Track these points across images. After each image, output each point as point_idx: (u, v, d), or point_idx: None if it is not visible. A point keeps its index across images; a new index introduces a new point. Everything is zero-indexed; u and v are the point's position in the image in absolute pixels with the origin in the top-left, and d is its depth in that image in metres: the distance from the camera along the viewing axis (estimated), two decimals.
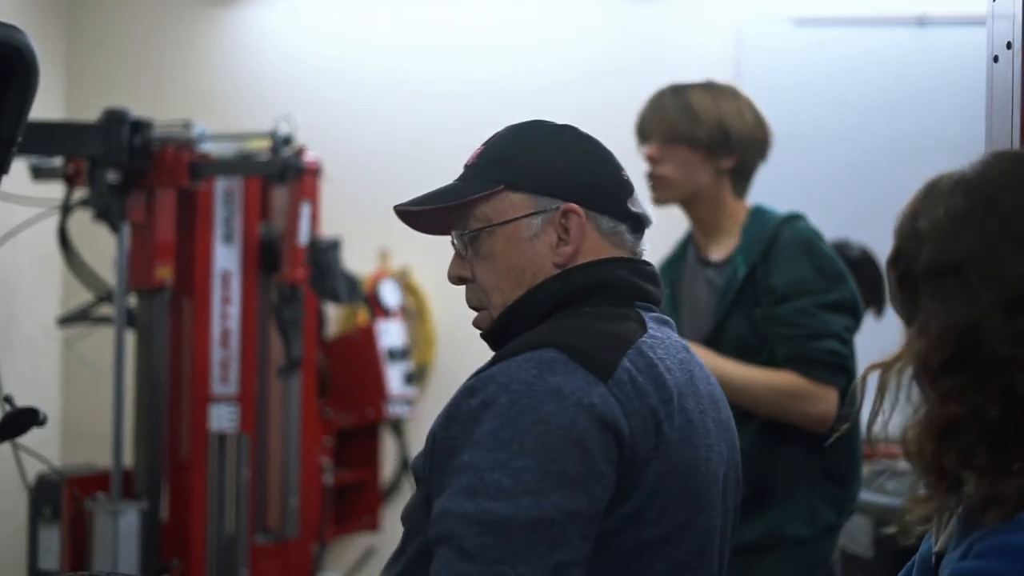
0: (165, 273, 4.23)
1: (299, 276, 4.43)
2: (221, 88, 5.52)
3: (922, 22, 5.17)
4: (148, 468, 4.22)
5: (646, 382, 1.73)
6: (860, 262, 4.10)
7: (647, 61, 5.23)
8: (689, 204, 3.10)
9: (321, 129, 5.16)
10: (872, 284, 4.10)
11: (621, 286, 1.87)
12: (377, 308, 5.29)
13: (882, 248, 4.12)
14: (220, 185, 4.35)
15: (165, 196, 4.23)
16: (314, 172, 4.49)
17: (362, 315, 5.42)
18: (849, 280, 2.97)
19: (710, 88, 3.10)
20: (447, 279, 1.95)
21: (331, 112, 5.42)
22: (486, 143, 1.98)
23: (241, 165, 4.34)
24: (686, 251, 3.18)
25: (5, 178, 2.29)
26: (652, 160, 3.07)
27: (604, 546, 1.70)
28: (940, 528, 1.65)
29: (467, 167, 1.96)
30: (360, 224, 5.17)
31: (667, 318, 1.94)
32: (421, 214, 1.96)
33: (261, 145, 4.46)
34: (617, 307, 1.85)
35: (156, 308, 4.28)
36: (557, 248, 1.86)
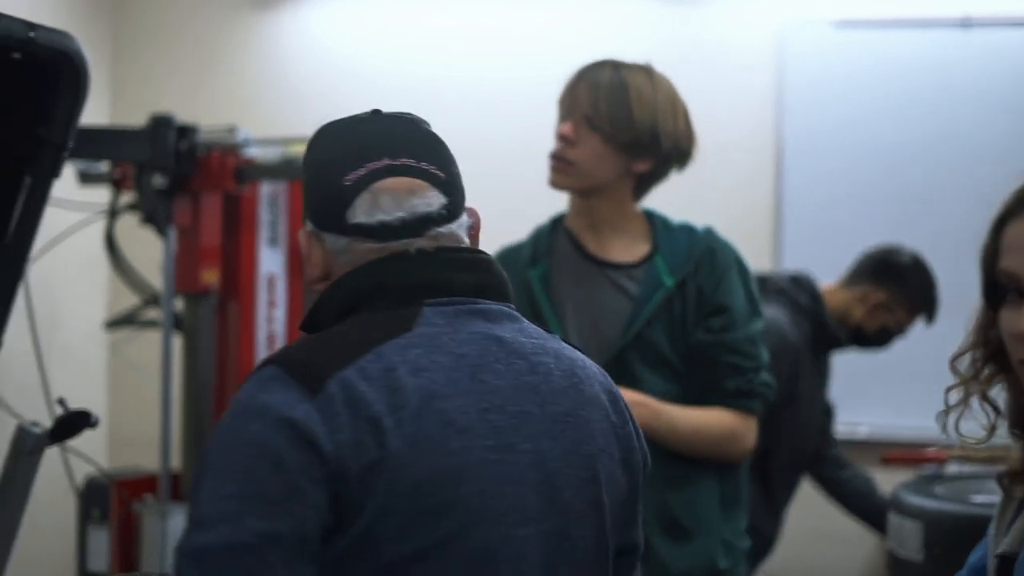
0: (211, 277, 4.26)
1: None
2: (264, 92, 5.55)
3: (966, 24, 5.13)
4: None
5: (371, 391, 1.61)
6: (910, 268, 4.06)
7: (687, 65, 5.18)
8: (588, 196, 2.77)
9: None
10: (923, 291, 4.05)
11: (400, 285, 1.72)
12: None
13: (929, 253, 4.15)
14: (265, 189, 4.37)
15: (211, 200, 4.26)
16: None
17: None
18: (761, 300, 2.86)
19: (651, 80, 2.76)
20: None
21: None
22: None
23: (285, 169, 4.36)
24: (553, 243, 2.83)
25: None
26: (565, 140, 2.73)
27: (338, 570, 1.60)
28: (1000, 532, 1.65)
29: None
30: None
31: (488, 307, 1.76)
32: None
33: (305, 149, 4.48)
34: (398, 306, 1.71)
35: (202, 312, 4.31)
36: (311, 269, 1.80)
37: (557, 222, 2.86)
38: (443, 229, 1.77)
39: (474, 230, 1.84)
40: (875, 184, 5.14)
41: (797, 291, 3.95)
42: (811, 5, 5.26)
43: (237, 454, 1.58)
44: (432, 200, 1.77)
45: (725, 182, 5.17)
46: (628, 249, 2.78)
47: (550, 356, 1.77)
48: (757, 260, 5.05)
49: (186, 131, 4.14)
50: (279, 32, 5.62)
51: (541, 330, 1.82)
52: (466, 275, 1.77)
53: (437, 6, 5.55)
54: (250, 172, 4.25)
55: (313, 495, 1.56)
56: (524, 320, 1.81)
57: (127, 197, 4.39)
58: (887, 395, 5.02)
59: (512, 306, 1.81)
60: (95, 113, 5.39)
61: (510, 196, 4.41)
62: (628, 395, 2.39)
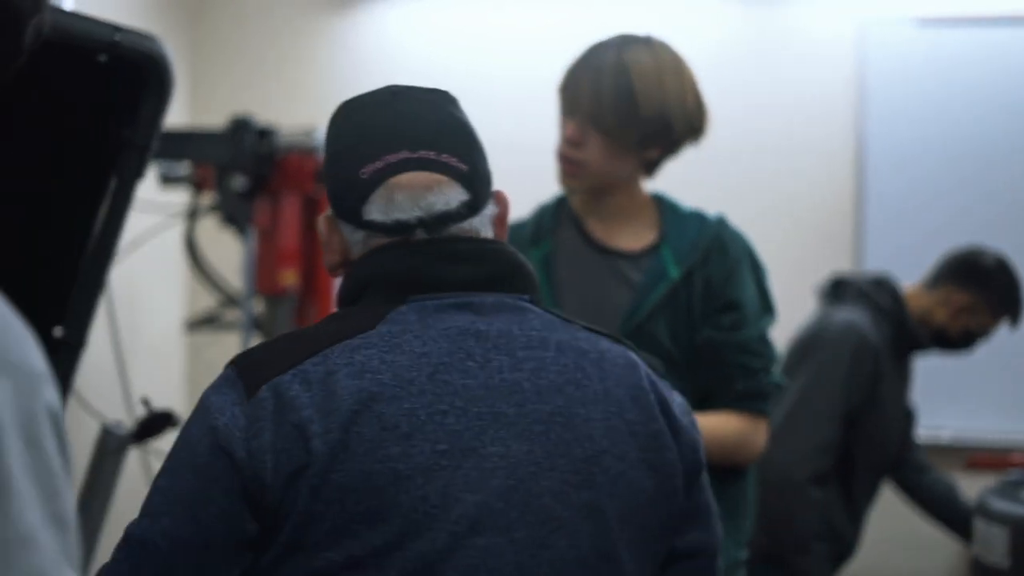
0: (290, 278, 4.28)
1: None
2: (343, 93, 5.53)
3: None
4: None
5: (305, 395, 1.55)
6: (995, 270, 4.00)
7: (767, 65, 5.17)
8: (600, 193, 2.63)
9: None
10: (1007, 293, 3.99)
11: (384, 281, 1.67)
12: None
13: (1014, 253, 4.08)
14: None
15: (290, 201, 4.27)
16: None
17: None
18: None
19: (656, 61, 2.59)
20: None
21: None
22: None
23: None
24: (556, 227, 2.68)
25: None
26: (572, 142, 2.58)
27: (270, 569, 1.56)
28: None
29: None
30: None
31: (482, 300, 1.68)
32: None
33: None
34: (384, 301, 1.66)
35: (281, 313, 4.32)
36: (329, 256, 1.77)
37: (562, 201, 2.71)
38: (464, 225, 1.71)
39: (500, 218, 1.77)
40: (958, 184, 5.08)
41: (879, 293, 3.91)
42: (893, 3, 5.21)
43: (177, 450, 1.60)
44: (451, 197, 1.70)
45: (805, 182, 5.12)
46: (634, 237, 2.62)
47: (550, 350, 1.67)
48: (837, 261, 5.01)
49: (266, 133, 4.16)
50: (357, 32, 5.63)
51: (556, 319, 1.72)
52: (462, 267, 1.68)
53: (513, 7, 5.54)
54: None
55: (222, 503, 1.55)
56: (535, 310, 1.71)
57: (207, 199, 4.41)
58: (972, 398, 4.95)
59: (527, 296, 1.72)
60: (175, 115, 5.43)
61: None
62: None
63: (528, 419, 1.62)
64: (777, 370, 2.61)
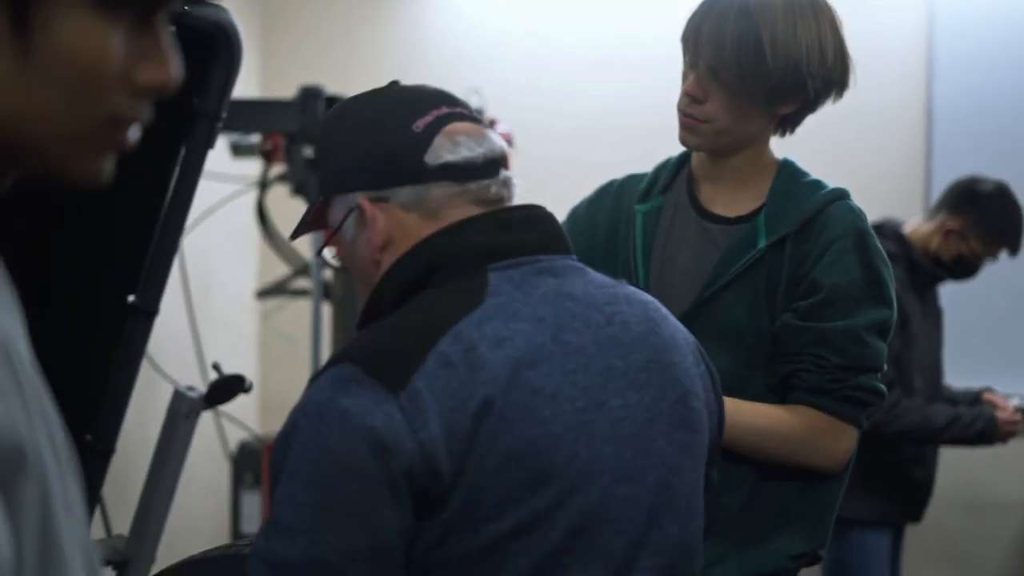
0: None
1: None
2: (411, 63, 5.58)
3: None
4: None
5: (455, 376, 1.55)
6: (987, 196, 3.85)
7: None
8: (720, 153, 2.35)
9: (511, 101, 5.19)
10: (998, 220, 3.92)
11: (462, 255, 1.67)
12: None
13: None
14: None
15: None
16: (505, 144, 4.52)
17: None
18: (892, 287, 2.30)
19: (792, 8, 2.24)
20: None
21: (520, 84, 5.44)
22: None
23: None
24: (670, 184, 2.44)
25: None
26: (692, 98, 2.29)
27: (435, 558, 1.57)
28: None
29: None
30: (550, 195, 5.17)
31: (553, 263, 1.71)
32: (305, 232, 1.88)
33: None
34: (462, 280, 1.66)
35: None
36: (369, 244, 1.72)
37: (686, 159, 2.45)
38: (509, 172, 1.76)
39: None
40: None
41: (883, 240, 3.90)
42: None
43: (316, 461, 1.53)
44: (495, 142, 1.76)
45: (874, 143, 5.09)
46: (738, 203, 2.35)
47: (623, 303, 1.74)
48: (908, 217, 4.98)
49: (335, 102, 4.18)
50: (426, 2, 5.65)
51: (607, 277, 1.78)
52: (526, 233, 1.72)
53: None
54: None
55: (394, 504, 1.53)
56: (589, 270, 1.77)
57: (277, 169, 4.45)
58: None
59: (575, 258, 1.77)
60: (245, 85, 5.48)
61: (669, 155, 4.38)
62: None
63: (633, 369, 1.69)
64: (876, 374, 2.25)
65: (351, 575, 1.52)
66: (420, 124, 1.70)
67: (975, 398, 3.98)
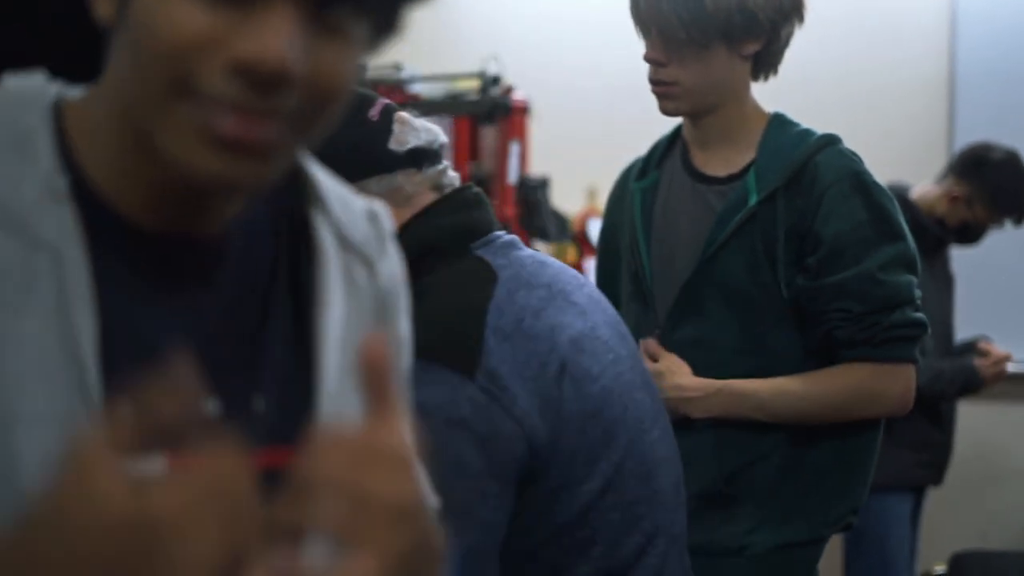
0: None
1: (509, 215, 4.47)
2: (430, 30, 5.57)
3: None
4: None
5: (518, 349, 1.56)
6: (995, 163, 3.77)
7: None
8: (702, 112, 2.33)
9: (529, 68, 5.17)
10: (1004, 187, 3.89)
11: (448, 239, 1.66)
12: (586, 246, 5.30)
13: None
14: None
15: None
16: (522, 111, 4.52)
17: (571, 253, 5.43)
18: (903, 220, 2.28)
19: None
20: None
21: (538, 51, 5.42)
22: None
23: (451, 105, 4.38)
24: (666, 157, 2.44)
25: None
26: (653, 62, 2.29)
27: (537, 535, 1.57)
28: None
29: None
30: (569, 162, 5.18)
31: (511, 238, 1.72)
32: None
33: (470, 85, 4.50)
34: (452, 262, 1.65)
35: None
36: None
37: (679, 131, 2.45)
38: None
39: None
40: None
41: None
42: None
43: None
44: (436, 127, 1.77)
45: (897, 114, 5.06)
46: (731, 159, 2.32)
47: (569, 270, 1.78)
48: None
49: None
50: None
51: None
52: (481, 212, 1.74)
53: None
54: (415, 109, 4.27)
55: (500, 491, 1.53)
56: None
57: None
58: None
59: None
60: None
61: None
62: (700, 383, 2.23)
63: (614, 322, 1.75)
64: (901, 306, 2.22)
65: (475, 570, 1.52)
66: (374, 113, 1.69)
67: (967, 347, 3.97)
